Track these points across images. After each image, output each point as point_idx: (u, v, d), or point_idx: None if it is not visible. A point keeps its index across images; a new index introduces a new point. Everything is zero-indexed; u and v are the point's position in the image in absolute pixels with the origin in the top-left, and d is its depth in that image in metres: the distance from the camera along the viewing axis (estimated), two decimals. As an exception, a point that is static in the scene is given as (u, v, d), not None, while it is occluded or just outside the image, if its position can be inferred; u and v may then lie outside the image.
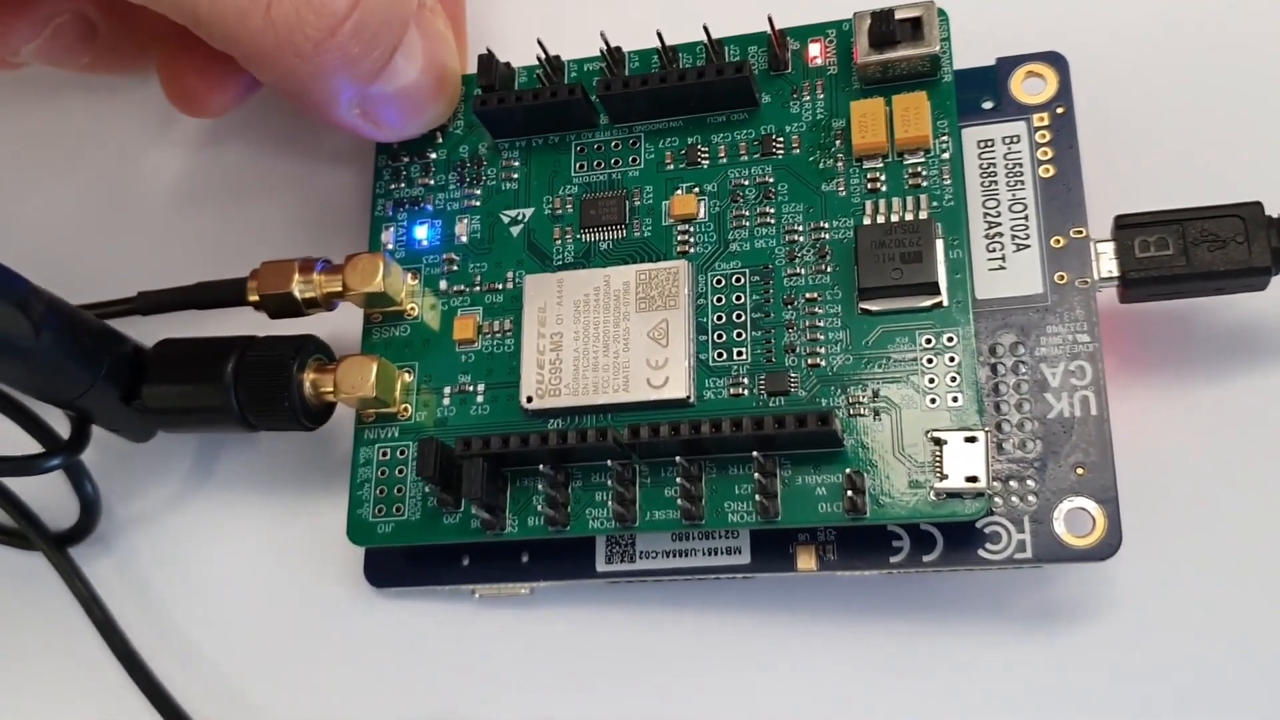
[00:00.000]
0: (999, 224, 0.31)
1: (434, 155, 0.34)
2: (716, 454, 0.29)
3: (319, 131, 0.38)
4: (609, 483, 0.30)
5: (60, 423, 0.33)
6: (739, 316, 0.30)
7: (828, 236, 0.30)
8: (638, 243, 0.32)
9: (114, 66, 0.37)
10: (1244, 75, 0.33)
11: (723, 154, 0.32)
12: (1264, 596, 0.29)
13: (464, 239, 0.33)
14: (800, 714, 0.31)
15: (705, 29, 0.31)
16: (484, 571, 0.33)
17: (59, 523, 0.36)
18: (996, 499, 0.29)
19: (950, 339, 0.29)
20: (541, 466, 0.30)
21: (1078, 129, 0.31)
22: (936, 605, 0.31)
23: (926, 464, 0.28)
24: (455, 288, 0.33)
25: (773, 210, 0.31)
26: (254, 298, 0.33)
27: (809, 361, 0.30)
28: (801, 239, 0.31)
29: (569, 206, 0.33)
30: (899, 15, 0.30)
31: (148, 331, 0.34)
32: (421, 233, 0.33)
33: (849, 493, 0.28)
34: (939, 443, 0.28)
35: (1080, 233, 0.30)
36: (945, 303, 0.29)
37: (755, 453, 0.28)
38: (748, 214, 0.31)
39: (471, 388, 0.32)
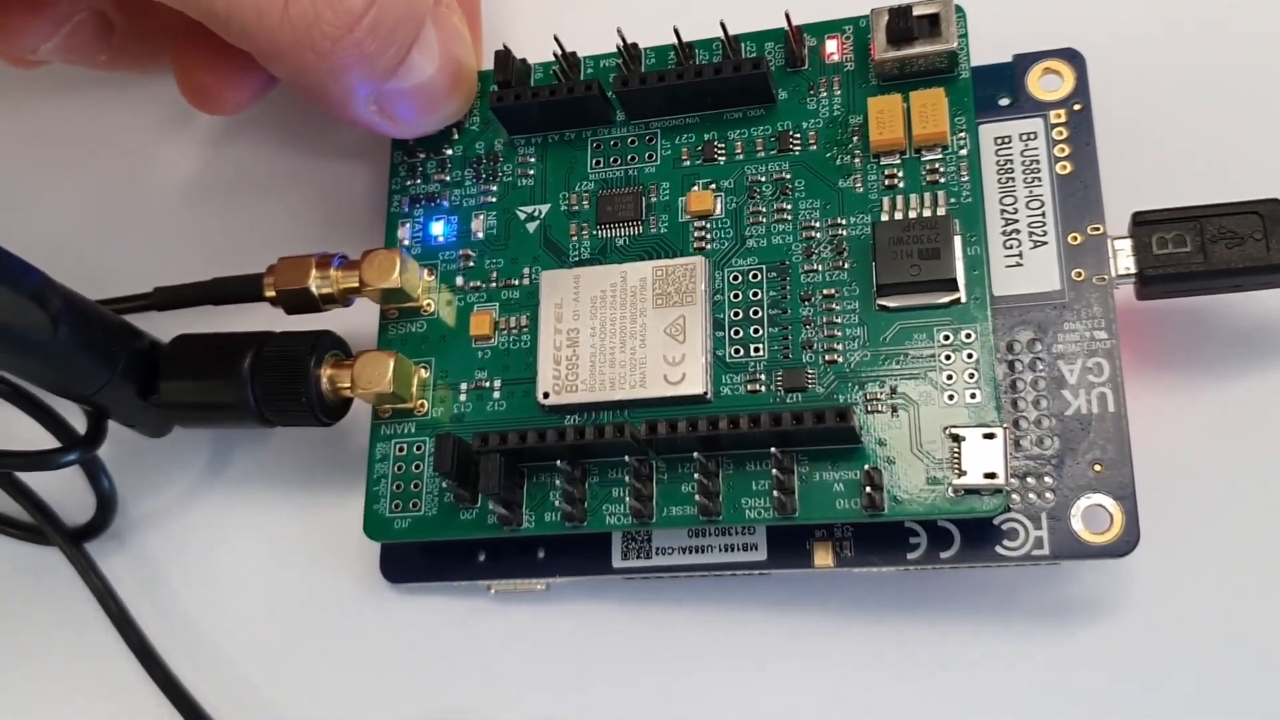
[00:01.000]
0: (1016, 221, 0.31)
1: (450, 151, 0.34)
2: (734, 450, 0.29)
3: (334, 128, 0.38)
4: (626, 479, 0.30)
5: (77, 418, 0.33)
6: (756, 313, 0.30)
7: (845, 233, 0.30)
8: (654, 239, 0.32)
9: (131, 64, 0.37)
10: (1262, 72, 0.33)
11: (739, 150, 0.32)
12: (1282, 593, 0.29)
13: (480, 235, 0.33)
14: (817, 710, 0.31)
15: (722, 25, 0.31)
16: (500, 567, 0.33)
17: (75, 518, 0.36)
18: (1014, 496, 0.29)
19: (968, 335, 0.29)
20: (558, 462, 0.30)
21: (1095, 126, 0.31)
22: (954, 602, 0.31)
23: (944, 460, 0.28)
24: (472, 284, 0.33)
25: (790, 207, 0.31)
26: (270, 293, 0.33)
27: (826, 358, 0.30)
28: (819, 235, 0.31)
29: (585, 203, 0.33)
30: (917, 11, 0.30)
31: (164, 327, 0.34)
32: (438, 229, 0.33)
33: (867, 489, 0.28)
34: (957, 439, 0.28)
35: (1098, 229, 0.30)
36: (963, 299, 0.29)
37: (773, 449, 0.28)
38: (764, 210, 0.31)
39: (488, 383, 0.32)
